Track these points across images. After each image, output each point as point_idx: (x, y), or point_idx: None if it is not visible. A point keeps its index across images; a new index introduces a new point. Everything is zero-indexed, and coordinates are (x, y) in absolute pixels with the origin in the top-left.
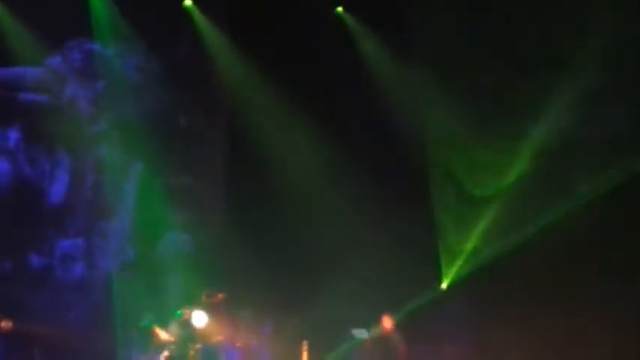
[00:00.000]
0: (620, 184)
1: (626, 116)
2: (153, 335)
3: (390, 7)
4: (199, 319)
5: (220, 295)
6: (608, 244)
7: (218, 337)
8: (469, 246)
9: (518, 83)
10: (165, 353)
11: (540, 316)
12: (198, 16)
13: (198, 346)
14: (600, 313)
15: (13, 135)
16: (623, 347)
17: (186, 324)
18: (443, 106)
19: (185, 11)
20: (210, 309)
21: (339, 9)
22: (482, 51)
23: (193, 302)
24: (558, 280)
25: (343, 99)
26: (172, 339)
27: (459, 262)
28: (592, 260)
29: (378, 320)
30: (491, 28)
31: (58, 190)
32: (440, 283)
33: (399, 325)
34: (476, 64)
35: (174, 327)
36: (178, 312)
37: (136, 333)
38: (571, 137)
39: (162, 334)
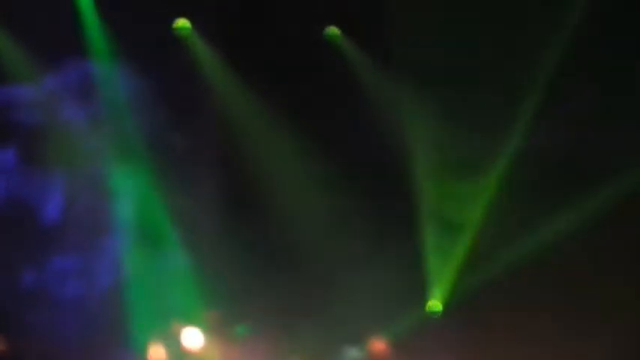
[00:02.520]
0: (606, 203)
1: (612, 136)
2: (147, 353)
3: (372, 22)
4: (194, 337)
5: (214, 313)
6: (597, 262)
7: (213, 354)
8: (457, 265)
9: (497, 103)
10: None
11: (532, 336)
12: (191, 35)
13: None
14: (595, 327)
15: (8, 154)
16: None
17: (181, 341)
18: (421, 124)
19: (178, 31)
20: (205, 327)
21: (332, 29)
22: (462, 68)
23: (190, 320)
24: (548, 300)
25: (336, 116)
26: (168, 356)
27: (448, 281)
28: (582, 280)
29: (370, 340)
30: (470, 43)
31: (53, 208)
32: (431, 302)
33: (391, 345)
34: (455, 82)
35: (168, 344)
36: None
37: (130, 351)
38: (552, 156)
39: (158, 352)
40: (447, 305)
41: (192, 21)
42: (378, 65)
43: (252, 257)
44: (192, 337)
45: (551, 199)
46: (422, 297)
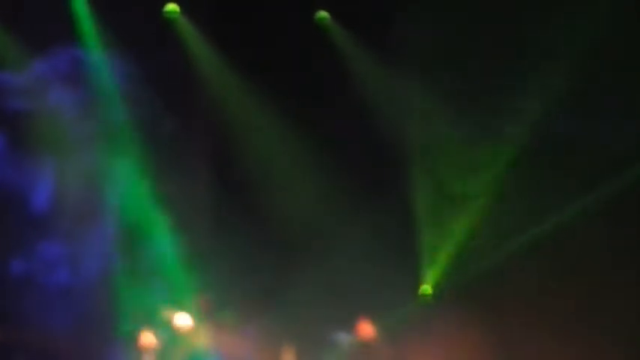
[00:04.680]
0: (612, 190)
1: (619, 118)
2: (137, 340)
3: (376, 10)
4: (184, 320)
5: (204, 299)
6: (602, 246)
7: (203, 340)
8: (452, 247)
9: (505, 83)
10: (148, 357)
11: (531, 320)
12: (181, 22)
13: (183, 350)
14: (596, 316)
15: None
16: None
17: (171, 328)
18: (426, 106)
19: (169, 17)
20: (195, 313)
21: (323, 14)
22: (468, 51)
23: (179, 306)
24: (550, 283)
25: (326, 101)
26: (156, 343)
27: (442, 265)
28: (585, 263)
29: (358, 325)
30: (477, 28)
31: (41, 195)
32: (423, 286)
33: (380, 329)
34: (462, 64)
35: (158, 331)
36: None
37: (119, 338)
38: (559, 139)
39: (147, 339)
40: (439, 289)
41: (183, 8)
42: (376, 52)
43: (241, 244)
44: (183, 323)
45: (559, 184)
46: (414, 281)
